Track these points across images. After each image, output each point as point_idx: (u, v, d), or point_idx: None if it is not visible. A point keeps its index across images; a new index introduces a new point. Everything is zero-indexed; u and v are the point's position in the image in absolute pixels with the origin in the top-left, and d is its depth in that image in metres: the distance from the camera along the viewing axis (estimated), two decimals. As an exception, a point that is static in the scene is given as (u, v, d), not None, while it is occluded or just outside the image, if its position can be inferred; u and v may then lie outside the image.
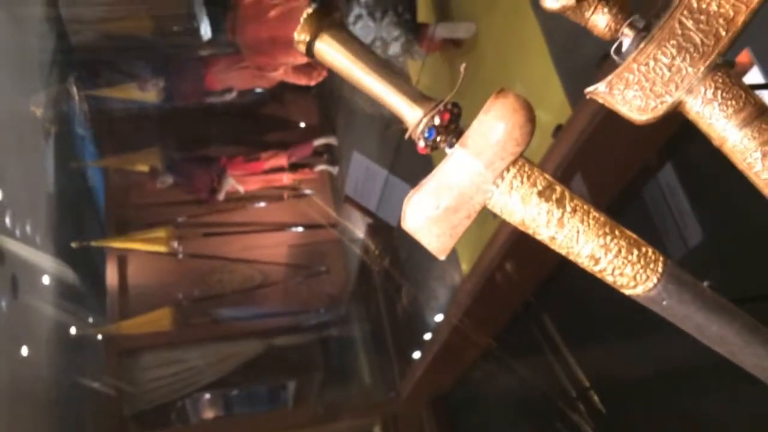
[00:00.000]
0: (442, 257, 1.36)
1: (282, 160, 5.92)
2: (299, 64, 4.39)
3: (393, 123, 5.67)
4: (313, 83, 4.62)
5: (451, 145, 1.28)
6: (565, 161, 2.89)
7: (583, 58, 3.13)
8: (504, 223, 4.10)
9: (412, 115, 1.29)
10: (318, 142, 6.11)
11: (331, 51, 1.31)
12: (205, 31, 4.09)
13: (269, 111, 6.35)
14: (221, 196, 5.84)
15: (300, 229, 6.13)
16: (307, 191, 6.25)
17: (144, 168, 5.78)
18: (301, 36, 1.31)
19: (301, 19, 1.34)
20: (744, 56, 1.51)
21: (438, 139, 1.30)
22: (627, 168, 2.51)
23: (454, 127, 1.29)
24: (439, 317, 4.79)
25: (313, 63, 4.46)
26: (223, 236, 5.92)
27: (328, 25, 1.31)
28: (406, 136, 1.33)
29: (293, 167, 6.00)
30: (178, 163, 5.88)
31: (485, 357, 4.45)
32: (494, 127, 1.22)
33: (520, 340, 4.06)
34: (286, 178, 5.96)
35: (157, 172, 5.76)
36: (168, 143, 5.93)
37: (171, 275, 5.92)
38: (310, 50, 1.34)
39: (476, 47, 4.31)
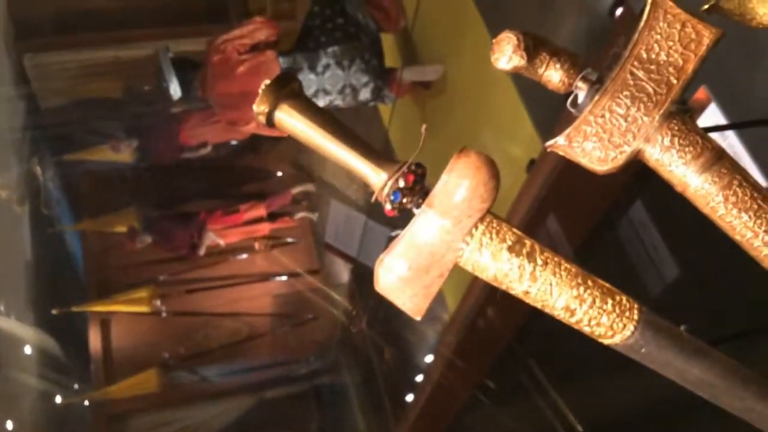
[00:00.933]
0: (417, 318, 1.35)
1: (261, 211, 5.90)
2: (271, 117, 4.41)
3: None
4: (286, 134, 4.63)
5: (418, 206, 1.27)
6: (540, 196, 2.91)
7: (551, 91, 3.18)
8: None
9: (376, 179, 1.29)
10: (296, 190, 6.11)
11: (291, 120, 1.31)
12: (175, 90, 4.10)
13: (245, 162, 6.35)
14: (202, 251, 5.79)
15: (284, 278, 6.08)
16: (289, 239, 6.22)
17: (122, 228, 5.73)
18: (260, 107, 1.32)
19: (260, 91, 1.34)
20: (701, 93, 1.54)
21: (404, 200, 1.29)
22: (599, 203, 2.52)
23: (419, 187, 1.29)
24: (429, 358, 4.75)
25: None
26: (206, 291, 5.85)
27: (287, 95, 1.32)
28: (372, 199, 1.33)
29: (273, 217, 5.99)
30: (157, 221, 5.84)
31: (478, 397, 4.40)
32: (459, 185, 1.22)
33: (510, 380, 4.02)
34: (267, 229, 5.93)
35: (136, 232, 5.71)
36: (145, 202, 5.89)
37: (156, 335, 5.83)
38: (270, 121, 1.35)
39: (445, 88, 4.37)
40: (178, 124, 5.42)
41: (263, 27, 4.17)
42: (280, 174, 6.33)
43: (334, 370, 5.79)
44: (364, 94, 4.41)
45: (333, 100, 4.39)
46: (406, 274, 1.31)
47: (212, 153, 5.60)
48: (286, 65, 4.17)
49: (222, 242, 5.90)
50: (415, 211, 1.28)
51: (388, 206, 1.31)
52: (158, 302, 5.65)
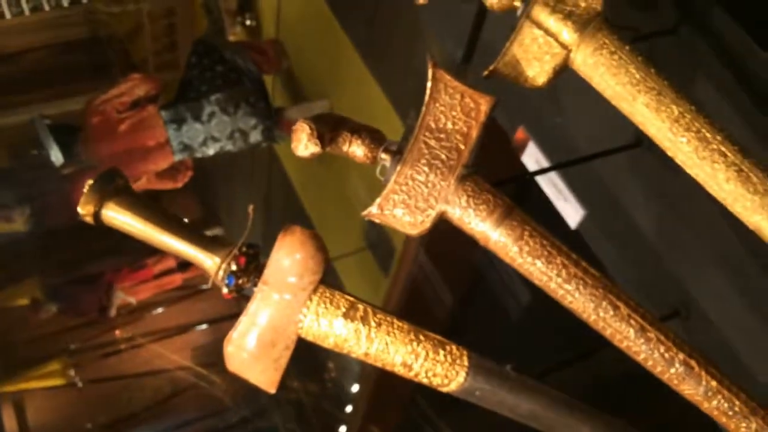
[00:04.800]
0: (272, 391, 1.38)
1: (170, 262, 5.78)
2: (162, 170, 4.35)
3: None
4: (180, 185, 4.58)
5: (254, 285, 1.31)
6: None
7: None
8: (395, 283, 4.18)
9: (209, 264, 1.32)
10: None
11: (118, 217, 1.33)
12: (56, 157, 3.98)
13: (149, 214, 6.20)
14: (113, 313, 5.60)
15: (204, 326, 5.97)
16: (204, 286, 6.11)
17: (24, 301, 5.48)
18: (85, 208, 1.32)
19: (84, 191, 1.35)
20: (520, 133, 1.65)
21: (240, 281, 1.33)
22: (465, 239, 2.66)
23: (254, 266, 1.33)
24: (355, 387, 4.77)
25: (175, 165, 4.44)
26: (122, 353, 5.66)
27: (112, 192, 1.33)
28: (209, 284, 1.36)
29: (184, 266, 5.87)
30: (60, 288, 5.62)
31: (409, 418, 4.45)
32: (288, 262, 1.27)
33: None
34: (179, 279, 5.81)
35: (39, 303, 5.47)
36: (46, 270, 5.67)
37: (75, 407, 5.59)
38: (98, 219, 1.35)
39: (333, 121, 4.44)
40: (71, 184, 5.25)
41: (141, 83, 4.11)
42: (186, 221, 6.21)
43: (265, 412, 5.71)
44: (255, 137, 4.42)
45: (223, 146, 4.37)
46: (254, 351, 1.35)
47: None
48: (168, 118, 4.12)
49: (133, 300, 5.73)
50: (254, 289, 1.32)
51: (224, 290, 1.34)
52: (72, 372, 5.42)
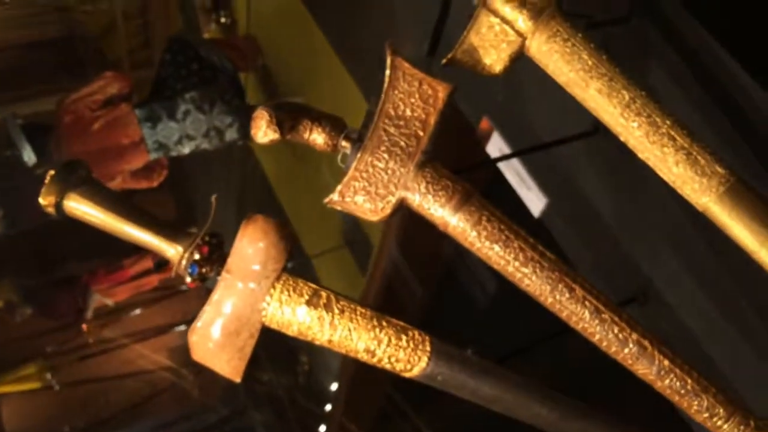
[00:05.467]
0: (237, 379, 1.39)
1: (147, 263, 5.73)
2: (136, 169, 4.32)
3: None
4: (155, 184, 4.55)
5: (218, 273, 1.32)
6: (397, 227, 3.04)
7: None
8: (372, 279, 4.19)
9: (172, 252, 1.33)
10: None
11: (80, 207, 1.33)
12: (29, 157, 3.93)
13: (126, 214, 6.15)
14: (89, 315, 5.55)
15: (182, 327, 5.93)
16: (183, 287, 6.08)
17: (-1, 304, 5.41)
18: (47, 199, 1.32)
19: (46, 182, 1.35)
20: (484, 123, 1.68)
21: (203, 270, 1.34)
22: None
23: (217, 255, 1.34)
24: (334, 386, 4.77)
25: (150, 164, 4.40)
26: (100, 356, 5.61)
27: (75, 183, 1.33)
28: (172, 273, 1.36)
29: (160, 266, 5.83)
30: (36, 290, 5.54)
31: (386, 415, 4.46)
32: (251, 250, 1.28)
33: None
34: (156, 280, 5.77)
35: (14, 305, 5.40)
36: (20, 272, 5.59)
37: (52, 410, 5.53)
38: (59, 210, 1.35)
39: (309, 118, 4.44)
40: (44, 184, 5.19)
41: (114, 81, 4.07)
42: (148, 212, 6.18)
43: (243, 412, 5.69)
44: (231, 134, 4.40)
45: (199, 144, 4.34)
46: (219, 340, 1.35)
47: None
48: (143, 116, 4.09)
49: (110, 302, 5.68)
50: (217, 278, 1.32)
51: (188, 279, 1.34)
52: (48, 376, 5.37)
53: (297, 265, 4.87)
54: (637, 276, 1.45)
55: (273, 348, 5.16)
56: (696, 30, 1.22)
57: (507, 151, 1.61)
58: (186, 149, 4.31)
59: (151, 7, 4.88)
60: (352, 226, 4.24)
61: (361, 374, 4.26)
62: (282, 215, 4.98)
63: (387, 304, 3.90)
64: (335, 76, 3.94)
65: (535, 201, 1.60)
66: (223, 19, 4.58)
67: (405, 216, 1.22)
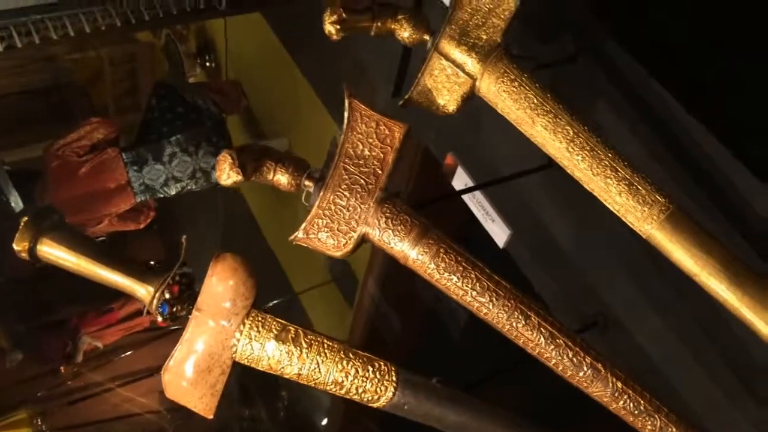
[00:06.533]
0: (210, 416, 1.41)
1: (137, 304, 5.71)
2: (123, 211, 4.35)
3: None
4: (142, 226, 4.58)
5: (189, 312, 1.36)
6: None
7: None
8: (358, 314, 4.21)
9: (143, 292, 1.37)
10: (171, 276, 5.98)
11: (53, 252, 1.37)
12: (16, 203, 3.97)
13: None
14: (79, 358, 5.52)
15: (173, 368, 5.88)
16: (174, 327, 6.04)
17: (-12, 350, 5.37)
18: (20, 244, 1.37)
19: (20, 228, 1.39)
20: (449, 159, 1.74)
21: (175, 309, 1.38)
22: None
23: (188, 294, 1.38)
24: (324, 420, 4.75)
25: (137, 206, 4.44)
26: (90, 399, 5.56)
27: (48, 228, 1.38)
28: (144, 313, 1.40)
29: (152, 309, 5.81)
30: (25, 335, 5.52)
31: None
32: (221, 288, 1.32)
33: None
34: (146, 321, 5.75)
35: (4, 351, 5.38)
36: (9, 318, 5.57)
37: (41, 457, 5.44)
38: (33, 255, 1.39)
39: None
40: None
41: (100, 126, 4.14)
42: (152, 263, 6.19)
43: (236, 453, 5.63)
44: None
45: (185, 185, 4.39)
46: (191, 378, 1.39)
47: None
48: (129, 159, 4.15)
49: (100, 344, 5.66)
50: (189, 317, 1.36)
51: (159, 318, 1.38)
52: (39, 421, 5.30)
53: (285, 302, 4.89)
54: (597, 302, 1.49)
55: (262, 386, 5.14)
56: (634, 67, 1.29)
57: (471, 184, 1.67)
58: (172, 191, 4.36)
59: (137, 54, 4.99)
60: (337, 261, 4.27)
61: (351, 411, 4.25)
62: (268, 252, 5.02)
63: (373, 337, 3.91)
64: (317, 117, 4.02)
65: (499, 233, 1.65)
66: (207, 63, 4.69)
67: (386, 254, 1.27)
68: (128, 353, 5.93)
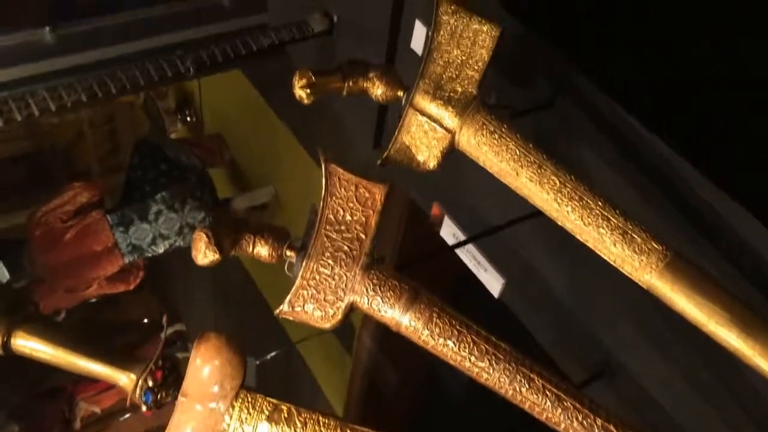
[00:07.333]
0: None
1: (133, 365, 5.60)
2: (112, 273, 4.28)
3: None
4: (132, 287, 4.51)
5: (175, 398, 1.29)
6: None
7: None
8: (356, 363, 4.12)
9: (125, 381, 1.30)
10: (167, 332, 5.88)
11: (28, 344, 1.30)
12: (2, 274, 3.91)
13: (108, 317, 6.07)
14: (78, 425, 5.39)
15: (173, 428, 5.74)
16: (171, 386, 5.91)
17: (-19, 425, 5.23)
18: (-7, 340, 1.29)
19: (-8, 322, 1.32)
20: (435, 209, 1.70)
21: (159, 397, 1.30)
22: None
23: (172, 378, 1.31)
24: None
25: (126, 267, 4.37)
26: (89, 468, 5.40)
27: (21, 320, 1.31)
28: (127, 403, 1.32)
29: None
30: (21, 406, 5.39)
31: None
32: (206, 370, 1.25)
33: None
34: (143, 382, 5.62)
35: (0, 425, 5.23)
36: (3, 390, 5.44)
37: None
38: (6, 349, 1.32)
39: (281, 203, 4.48)
40: (26, 298, 5.13)
41: (83, 190, 4.09)
42: (146, 321, 6.09)
43: None
44: (204, 230, 4.39)
45: (173, 242, 4.33)
46: (182, 466, 1.31)
47: (68, 317, 5.32)
48: (115, 221, 4.09)
49: (97, 409, 5.53)
50: (176, 402, 1.29)
51: (144, 408, 1.31)
52: (38, 495, 5.14)
53: (282, 352, 4.79)
54: (600, 348, 1.43)
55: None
56: (614, 109, 1.26)
57: (460, 234, 1.62)
58: (160, 249, 4.29)
59: (116, 114, 4.97)
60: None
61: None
62: (262, 302, 4.94)
63: (372, 392, 3.82)
64: (301, 164, 3.99)
65: (492, 282, 1.60)
66: (188, 118, 4.67)
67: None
68: (127, 416, 5.79)
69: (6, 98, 1.53)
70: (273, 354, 4.74)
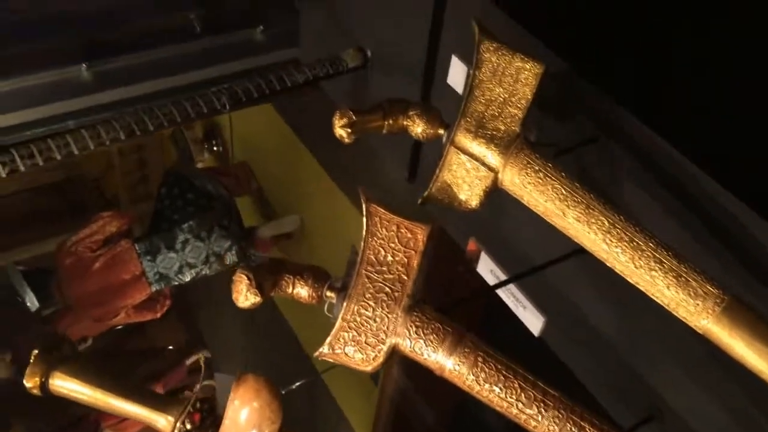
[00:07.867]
0: None
1: (158, 391, 5.60)
2: (139, 302, 4.30)
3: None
4: (159, 315, 4.52)
5: (213, 440, 1.26)
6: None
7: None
8: (383, 391, 4.07)
9: (163, 423, 1.27)
10: (191, 360, 5.88)
11: (66, 385, 1.29)
12: (32, 302, 3.94)
13: (133, 344, 6.09)
14: (102, 454, 5.36)
15: (197, 457, 5.70)
16: (195, 414, 5.89)
17: (8, 453, 5.24)
18: (31, 381, 1.29)
19: (30, 363, 1.32)
20: (471, 245, 1.67)
21: (198, 439, 1.28)
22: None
23: (210, 421, 1.29)
24: None
25: (153, 295, 4.39)
26: (113, 498, 5.36)
27: (59, 361, 1.30)
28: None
29: (171, 395, 5.69)
30: (45, 434, 5.39)
31: None
32: (244, 413, 1.22)
33: None
34: (167, 410, 5.60)
35: (24, 454, 5.23)
36: (31, 417, 5.45)
37: None
38: (45, 390, 1.31)
39: (305, 232, 4.48)
40: (53, 324, 5.16)
41: (112, 219, 4.13)
42: (171, 348, 6.09)
43: None
44: (230, 258, 4.41)
45: (199, 271, 4.35)
46: None
47: (95, 344, 5.33)
48: (143, 250, 4.12)
49: (122, 438, 5.50)
50: (213, 444, 1.26)
51: (182, 451, 1.29)
52: None
53: (308, 382, 4.75)
54: (649, 392, 1.38)
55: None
56: (659, 143, 1.23)
57: (497, 270, 1.59)
58: (187, 277, 4.31)
59: (145, 144, 5.04)
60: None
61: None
62: (289, 332, 4.91)
63: (399, 422, 3.76)
64: (328, 194, 3.99)
65: (533, 320, 1.56)
66: (215, 148, 4.71)
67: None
68: (151, 444, 5.76)
69: (45, 137, 1.55)
70: (298, 383, 4.70)
